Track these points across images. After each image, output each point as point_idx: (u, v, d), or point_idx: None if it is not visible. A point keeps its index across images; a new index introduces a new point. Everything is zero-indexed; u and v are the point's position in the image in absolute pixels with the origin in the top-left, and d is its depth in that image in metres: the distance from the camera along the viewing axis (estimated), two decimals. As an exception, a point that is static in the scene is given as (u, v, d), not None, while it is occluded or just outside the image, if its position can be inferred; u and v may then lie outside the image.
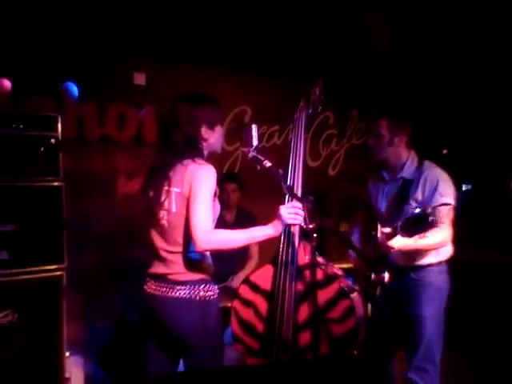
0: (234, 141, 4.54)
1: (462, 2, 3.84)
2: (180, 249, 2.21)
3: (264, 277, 2.24)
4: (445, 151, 5.36)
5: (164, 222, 2.23)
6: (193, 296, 2.16)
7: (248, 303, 2.26)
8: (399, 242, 2.48)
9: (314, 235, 2.00)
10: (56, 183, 3.07)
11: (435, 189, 2.71)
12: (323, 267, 2.19)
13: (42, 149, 3.03)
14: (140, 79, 4.06)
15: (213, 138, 2.31)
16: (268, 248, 2.42)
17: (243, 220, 3.84)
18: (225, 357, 3.10)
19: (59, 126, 3.10)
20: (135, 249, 3.85)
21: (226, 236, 2.15)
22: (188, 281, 2.18)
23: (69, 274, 3.06)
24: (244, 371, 1.49)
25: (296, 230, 2.22)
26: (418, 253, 2.72)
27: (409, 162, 2.87)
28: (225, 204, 4.00)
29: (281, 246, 2.23)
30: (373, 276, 2.53)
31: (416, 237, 2.34)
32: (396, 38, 4.54)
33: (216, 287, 2.24)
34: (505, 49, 4.37)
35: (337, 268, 2.30)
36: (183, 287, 2.17)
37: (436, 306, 2.75)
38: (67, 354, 3.05)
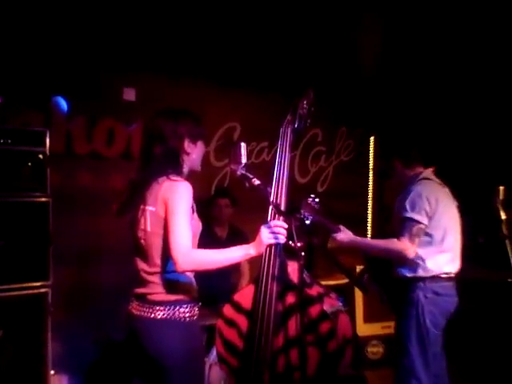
0: (224, 157, 4.55)
1: (452, 22, 3.89)
2: (158, 269, 2.16)
3: (246, 296, 2.23)
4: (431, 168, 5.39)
5: (142, 241, 2.20)
6: (170, 317, 2.12)
7: (231, 323, 2.24)
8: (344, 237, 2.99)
9: (302, 254, 2.00)
10: (43, 199, 3.06)
11: (405, 202, 2.88)
12: (307, 287, 2.16)
13: (29, 164, 3.02)
14: (130, 95, 4.06)
15: (195, 153, 2.29)
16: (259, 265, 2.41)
17: (235, 237, 3.83)
18: (211, 375, 3.09)
19: (47, 141, 3.09)
20: (123, 266, 3.82)
21: (206, 256, 2.10)
22: (166, 301, 2.13)
23: (54, 291, 3.02)
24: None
25: (277, 249, 2.19)
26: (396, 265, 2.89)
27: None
28: (217, 220, 4.00)
29: (262, 265, 2.19)
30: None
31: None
32: (385, 55, 4.59)
33: (196, 308, 2.19)
34: (492, 70, 4.44)
35: (322, 286, 2.28)
36: (161, 308, 2.13)
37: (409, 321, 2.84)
38: (52, 372, 3.01)
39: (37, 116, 3.64)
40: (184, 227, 2.05)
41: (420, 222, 2.84)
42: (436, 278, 2.87)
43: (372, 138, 5.66)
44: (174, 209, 2.07)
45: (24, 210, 2.99)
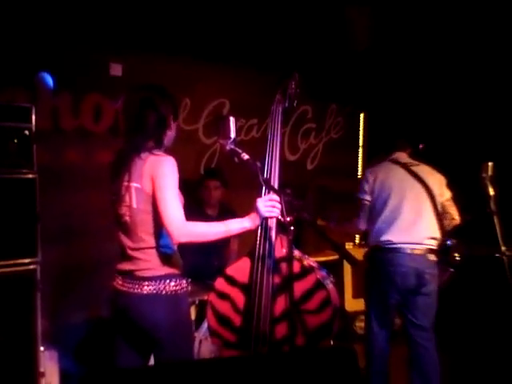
0: (213, 134, 4.52)
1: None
2: (145, 245, 2.18)
3: (240, 270, 2.24)
4: (421, 146, 5.41)
5: (127, 218, 2.20)
6: (160, 291, 2.14)
7: (224, 296, 2.25)
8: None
9: (291, 228, 2.00)
10: (30, 175, 3.02)
11: None
12: (300, 259, 2.19)
13: (15, 140, 2.97)
14: (116, 70, 4.00)
15: (173, 130, 2.33)
16: (249, 243, 2.41)
17: (226, 215, 3.82)
18: (201, 350, 3.12)
19: (33, 117, 3.05)
20: (111, 243, 3.81)
21: (201, 228, 2.13)
22: (155, 276, 2.16)
23: (43, 268, 3.01)
24: (220, 363, 1.49)
25: (273, 223, 2.22)
26: None
27: None
28: (207, 201, 3.96)
29: (258, 238, 2.23)
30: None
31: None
32: (376, 32, 4.55)
33: (184, 281, 2.23)
34: (483, 45, 4.42)
35: (312, 260, 2.31)
36: (150, 283, 2.15)
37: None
38: (42, 348, 3.02)
39: (22, 92, 3.58)
40: (175, 201, 2.08)
41: (361, 199, 3.33)
42: (377, 247, 3.24)
43: (362, 115, 5.65)
44: (163, 184, 2.09)
45: (10, 186, 2.95)
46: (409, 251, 3.14)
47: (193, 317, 3.30)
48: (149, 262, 2.18)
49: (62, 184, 3.67)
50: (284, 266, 2.10)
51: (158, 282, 2.15)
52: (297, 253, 2.22)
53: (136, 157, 2.16)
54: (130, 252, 2.21)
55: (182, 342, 2.20)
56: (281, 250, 2.18)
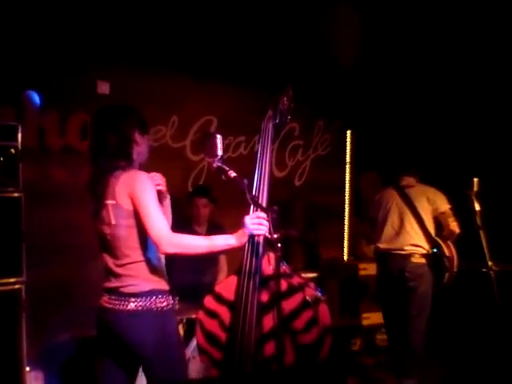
0: (200, 151, 4.52)
1: (431, 14, 3.92)
2: (129, 260, 2.18)
3: (228, 287, 2.22)
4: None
5: (108, 236, 2.21)
6: (146, 307, 2.14)
7: (213, 314, 2.23)
8: None
9: (279, 245, 1.99)
10: (15, 194, 3.00)
11: None
12: (288, 277, 2.17)
13: (1, 159, 2.96)
14: (104, 88, 3.99)
15: (143, 144, 2.33)
16: (238, 260, 2.41)
17: (214, 231, 3.79)
18: (190, 368, 3.08)
19: (19, 135, 3.04)
20: (97, 261, 3.77)
21: (187, 240, 2.16)
22: (141, 292, 2.15)
23: (28, 288, 2.97)
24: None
25: (260, 240, 2.20)
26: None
27: None
28: (195, 219, 3.95)
29: (245, 255, 2.21)
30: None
31: None
32: (363, 49, 4.61)
33: (171, 297, 2.22)
34: (469, 64, 4.49)
35: (302, 277, 2.29)
36: (136, 299, 2.14)
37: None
38: (27, 368, 2.98)
39: (8, 110, 3.56)
40: (158, 214, 2.11)
41: (370, 216, 4.15)
42: (377, 252, 4.05)
43: (349, 132, 5.69)
44: (144, 200, 2.12)
45: (-4, 205, 2.93)
46: (393, 253, 3.87)
47: (181, 335, 3.27)
48: (134, 278, 2.17)
49: (48, 202, 3.63)
50: (271, 283, 2.09)
51: (145, 298, 2.14)
52: (287, 270, 2.20)
53: (109, 177, 2.19)
54: (115, 269, 2.21)
55: (171, 359, 2.18)
56: (268, 268, 2.17)
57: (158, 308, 2.15)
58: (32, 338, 3.10)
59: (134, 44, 3.99)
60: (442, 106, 4.92)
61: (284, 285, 2.12)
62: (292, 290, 2.13)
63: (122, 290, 2.17)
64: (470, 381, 3.85)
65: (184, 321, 3.30)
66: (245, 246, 2.18)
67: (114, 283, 2.21)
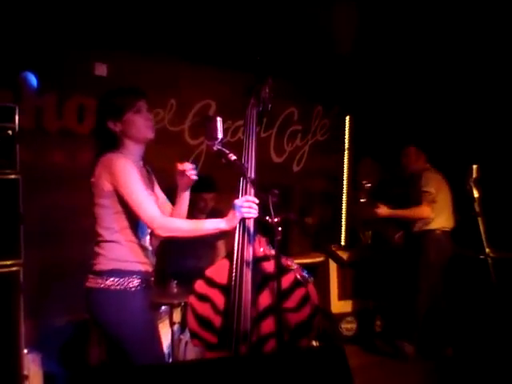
0: (198, 135, 4.50)
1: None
2: (100, 238, 2.26)
3: (219, 271, 2.25)
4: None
5: (93, 213, 2.31)
6: (107, 286, 2.18)
7: (204, 298, 2.25)
8: (384, 210, 4.30)
9: (279, 229, 1.99)
10: (12, 176, 2.98)
11: (419, 182, 4.26)
12: (279, 259, 2.20)
13: (-2, 140, 2.93)
14: (101, 70, 3.96)
15: (127, 127, 2.31)
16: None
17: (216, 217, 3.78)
18: (187, 352, 3.10)
19: (17, 117, 3.01)
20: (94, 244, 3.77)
21: (179, 223, 2.23)
22: (102, 271, 2.21)
23: (26, 270, 2.96)
24: (201, 365, 1.47)
25: (251, 223, 2.22)
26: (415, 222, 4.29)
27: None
28: (200, 210, 3.94)
29: (236, 239, 2.24)
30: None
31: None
32: (361, 33, 4.57)
33: (138, 279, 2.23)
34: (468, 48, 4.46)
35: (291, 261, 2.32)
36: (96, 277, 2.21)
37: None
38: (25, 351, 2.98)
39: (6, 92, 3.53)
40: (142, 196, 2.16)
41: (430, 193, 4.25)
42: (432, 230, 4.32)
43: (348, 118, 5.67)
44: (122, 183, 2.17)
45: (-7, 187, 2.91)
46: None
47: (178, 319, 3.28)
48: (102, 257, 2.23)
49: (45, 184, 3.62)
50: (263, 265, 2.12)
51: (105, 277, 2.19)
52: (275, 252, 2.23)
53: (96, 159, 2.28)
54: (93, 246, 2.29)
55: (138, 342, 2.18)
56: (259, 250, 2.19)
57: (116, 288, 2.18)
58: (30, 320, 3.09)
59: (132, 26, 3.94)
60: (441, 90, 4.89)
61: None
62: (283, 271, 2.15)
63: (93, 267, 2.25)
64: (467, 367, 3.88)
65: (182, 304, 3.30)
66: (236, 229, 2.19)
67: (91, 260, 2.29)
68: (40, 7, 3.57)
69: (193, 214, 3.88)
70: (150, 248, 2.37)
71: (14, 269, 2.95)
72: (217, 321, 2.19)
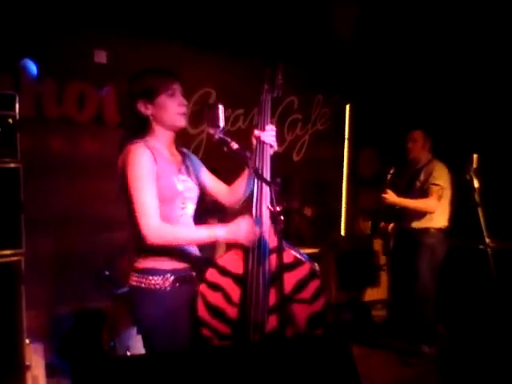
0: (199, 123, 4.48)
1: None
2: (130, 235, 2.12)
3: (233, 260, 2.19)
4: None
5: None
6: (144, 285, 2.08)
7: (216, 287, 2.21)
8: (393, 198, 4.01)
9: (281, 218, 1.98)
10: (13, 165, 2.96)
11: (431, 173, 4.07)
12: (293, 249, 2.17)
13: (-2, 129, 2.92)
14: (101, 57, 3.93)
15: (158, 111, 2.14)
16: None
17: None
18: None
19: (17, 105, 2.98)
20: (95, 233, 3.77)
21: (174, 233, 2.08)
22: (143, 269, 2.10)
23: (28, 260, 2.96)
24: (212, 352, 1.47)
25: (266, 214, 2.17)
26: (414, 216, 4.06)
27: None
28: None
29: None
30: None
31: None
32: (361, 22, 4.54)
33: (172, 278, 2.12)
34: (470, 37, 4.44)
35: (301, 252, 2.28)
36: (134, 274, 2.11)
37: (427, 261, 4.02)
38: (27, 341, 2.98)
39: (5, 79, 3.51)
40: (144, 199, 1.99)
41: (441, 186, 4.06)
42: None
43: (348, 107, 5.65)
44: (129, 180, 2.00)
45: (-7, 176, 2.90)
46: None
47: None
48: (136, 254, 2.13)
49: (46, 173, 3.61)
50: (277, 256, 2.08)
51: (142, 275, 2.09)
52: (285, 244, 2.20)
53: (122, 146, 2.10)
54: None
55: (169, 343, 2.08)
56: (274, 241, 2.15)
57: (150, 287, 2.09)
58: (32, 310, 3.10)
59: (132, 13, 3.92)
60: (441, 79, 4.87)
61: (291, 256, 2.11)
62: (299, 261, 2.12)
63: (134, 264, 2.14)
64: (467, 357, 3.89)
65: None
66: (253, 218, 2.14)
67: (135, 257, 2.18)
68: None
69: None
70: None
71: (16, 258, 2.93)
72: (230, 311, 2.15)
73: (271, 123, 2.26)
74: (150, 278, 2.09)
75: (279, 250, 1.98)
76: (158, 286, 2.09)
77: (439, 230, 4.07)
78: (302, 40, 4.71)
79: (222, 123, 2.19)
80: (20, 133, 3.01)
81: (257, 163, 2.20)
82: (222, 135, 2.18)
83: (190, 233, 2.13)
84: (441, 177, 4.04)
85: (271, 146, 2.20)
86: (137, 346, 3.34)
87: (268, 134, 2.18)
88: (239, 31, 4.41)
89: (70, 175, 3.75)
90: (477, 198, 3.43)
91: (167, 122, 2.18)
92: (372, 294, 4.81)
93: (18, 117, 2.98)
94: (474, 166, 3.52)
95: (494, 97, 4.59)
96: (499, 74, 4.50)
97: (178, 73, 4.38)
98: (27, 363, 2.98)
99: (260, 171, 2.16)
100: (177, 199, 2.15)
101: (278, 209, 1.99)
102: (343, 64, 5.17)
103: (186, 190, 2.18)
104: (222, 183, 2.38)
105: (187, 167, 2.26)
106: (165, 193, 2.08)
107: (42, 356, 3.19)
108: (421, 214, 4.06)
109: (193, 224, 2.23)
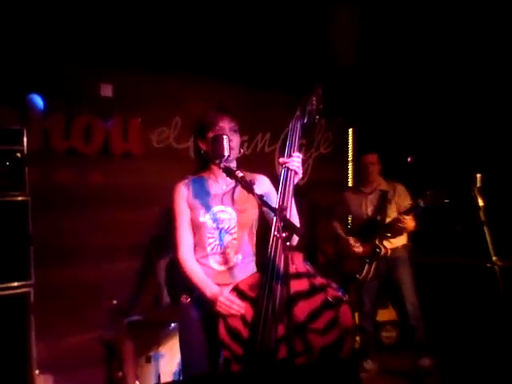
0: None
1: (432, 9, 3.91)
2: None
3: (251, 284, 2.22)
4: (409, 158, 5.47)
5: None
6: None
7: None
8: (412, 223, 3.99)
9: (287, 244, 2.00)
10: (22, 198, 3.02)
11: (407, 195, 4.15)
12: (311, 277, 2.16)
13: (7, 163, 2.97)
14: (107, 90, 4.00)
15: (212, 146, 2.30)
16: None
17: None
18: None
19: (25, 139, 3.05)
20: (104, 264, 3.80)
21: (191, 273, 2.36)
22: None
23: (37, 291, 2.99)
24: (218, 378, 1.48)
25: (281, 240, 2.16)
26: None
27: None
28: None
29: (268, 253, 2.18)
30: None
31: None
32: (363, 45, 4.61)
33: (188, 294, 2.41)
34: (471, 60, 4.49)
35: (325, 278, 2.25)
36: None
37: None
38: (37, 371, 2.99)
39: (12, 114, 3.57)
40: (177, 232, 2.39)
41: None
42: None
43: (351, 130, 5.70)
44: (172, 210, 2.41)
45: (3, 209, 2.95)
46: None
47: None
48: None
49: (54, 205, 3.65)
50: (293, 282, 2.07)
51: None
52: (310, 269, 2.20)
53: None
54: None
55: (188, 354, 2.37)
56: (291, 267, 2.15)
57: (182, 301, 2.41)
58: (42, 340, 3.11)
59: (136, 46, 4.00)
60: (444, 102, 4.92)
61: (306, 284, 2.11)
62: (313, 290, 2.11)
63: None
64: (474, 375, 3.87)
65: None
66: (269, 244, 2.17)
67: None
68: (46, 28, 3.63)
69: None
70: (218, 267, 2.40)
71: (25, 290, 2.98)
72: (244, 333, 2.18)
73: (297, 150, 2.35)
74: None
75: (286, 277, 1.99)
76: (181, 302, 2.41)
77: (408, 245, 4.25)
78: (303, 64, 4.78)
79: (226, 152, 2.26)
80: (28, 166, 3.07)
81: (281, 189, 2.24)
82: (227, 164, 2.24)
83: (202, 281, 2.33)
84: (408, 195, 4.14)
85: (296, 173, 2.28)
86: (146, 375, 3.35)
87: (294, 161, 2.28)
88: (242, 59, 4.48)
89: (78, 206, 3.79)
90: (482, 216, 3.45)
91: (218, 155, 2.29)
92: (382, 315, 4.78)
93: (26, 151, 3.04)
94: (478, 185, 3.56)
95: (497, 117, 4.62)
96: (501, 96, 4.54)
97: (183, 104, 4.47)
98: (37, 394, 2.99)
99: (284, 198, 2.22)
100: (202, 230, 2.38)
101: (283, 235, 2.01)
102: (345, 88, 5.23)
103: (215, 221, 2.37)
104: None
105: (233, 196, 2.42)
106: (193, 224, 2.40)
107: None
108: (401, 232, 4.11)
109: (229, 252, 2.38)
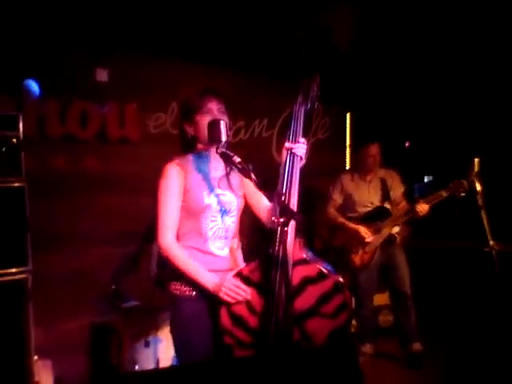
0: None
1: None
2: None
3: (256, 270, 2.21)
4: (407, 143, 5.47)
5: None
6: (172, 292, 2.27)
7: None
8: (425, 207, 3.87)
9: (285, 229, 2.00)
10: (18, 184, 3.00)
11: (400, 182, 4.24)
12: (317, 263, 2.17)
13: (3, 149, 2.96)
14: (102, 75, 3.98)
15: (198, 129, 2.29)
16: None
17: None
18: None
19: (21, 125, 3.03)
20: (100, 249, 3.80)
21: (179, 259, 2.21)
22: (173, 276, 2.27)
23: (35, 277, 2.99)
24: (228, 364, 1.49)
25: (290, 226, 2.15)
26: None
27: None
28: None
29: (276, 240, 2.12)
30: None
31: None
32: (360, 30, 4.58)
33: (188, 287, 2.24)
34: (468, 45, 4.47)
35: (326, 265, 2.26)
36: (170, 283, 2.30)
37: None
38: (35, 357, 3.00)
39: (8, 100, 3.54)
40: (163, 212, 2.23)
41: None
42: None
43: (348, 115, 5.68)
44: (157, 193, 2.25)
45: (-1, 195, 2.94)
46: None
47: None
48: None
49: (50, 191, 3.64)
50: (301, 268, 2.08)
51: (171, 282, 2.28)
52: (311, 256, 2.20)
53: None
54: None
55: (178, 345, 2.26)
56: (298, 253, 2.14)
57: (172, 293, 2.27)
58: (40, 326, 3.12)
59: (132, 31, 3.96)
60: (441, 85, 4.91)
61: (314, 270, 2.11)
62: (322, 275, 2.11)
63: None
64: (472, 361, 3.90)
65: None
66: (275, 232, 2.11)
67: None
68: (40, 14, 3.59)
69: None
70: (220, 252, 2.33)
71: (23, 276, 2.98)
72: (252, 320, 2.16)
73: (303, 137, 2.29)
74: (171, 285, 2.27)
75: (283, 262, 2.00)
76: (187, 293, 2.23)
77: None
78: (299, 50, 4.75)
79: (224, 137, 2.23)
80: (24, 152, 3.05)
81: (287, 174, 2.23)
82: (224, 149, 2.22)
83: (188, 266, 2.20)
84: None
85: (301, 159, 2.26)
86: (144, 359, 3.36)
87: (300, 147, 2.24)
88: (238, 45, 4.45)
89: (74, 192, 3.78)
90: (480, 200, 3.46)
91: (205, 139, 2.28)
92: (379, 300, 4.81)
93: (21, 137, 3.02)
94: (476, 169, 3.56)
95: (494, 102, 4.62)
96: (498, 81, 4.53)
97: (178, 89, 4.45)
98: (36, 380, 3.02)
99: (289, 183, 2.22)
100: (205, 212, 2.25)
101: (281, 220, 2.02)
102: (342, 73, 5.20)
103: (219, 203, 2.28)
104: (264, 201, 2.43)
105: (229, 181, 2.35)
106: (192, 206, 2.24)
107: (50, 372, 3.21)
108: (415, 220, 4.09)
109: (229, 237, 2.34)
